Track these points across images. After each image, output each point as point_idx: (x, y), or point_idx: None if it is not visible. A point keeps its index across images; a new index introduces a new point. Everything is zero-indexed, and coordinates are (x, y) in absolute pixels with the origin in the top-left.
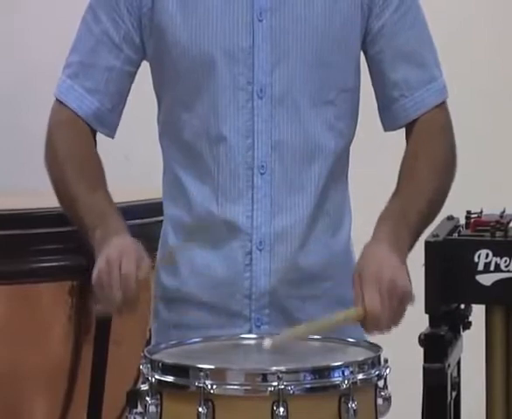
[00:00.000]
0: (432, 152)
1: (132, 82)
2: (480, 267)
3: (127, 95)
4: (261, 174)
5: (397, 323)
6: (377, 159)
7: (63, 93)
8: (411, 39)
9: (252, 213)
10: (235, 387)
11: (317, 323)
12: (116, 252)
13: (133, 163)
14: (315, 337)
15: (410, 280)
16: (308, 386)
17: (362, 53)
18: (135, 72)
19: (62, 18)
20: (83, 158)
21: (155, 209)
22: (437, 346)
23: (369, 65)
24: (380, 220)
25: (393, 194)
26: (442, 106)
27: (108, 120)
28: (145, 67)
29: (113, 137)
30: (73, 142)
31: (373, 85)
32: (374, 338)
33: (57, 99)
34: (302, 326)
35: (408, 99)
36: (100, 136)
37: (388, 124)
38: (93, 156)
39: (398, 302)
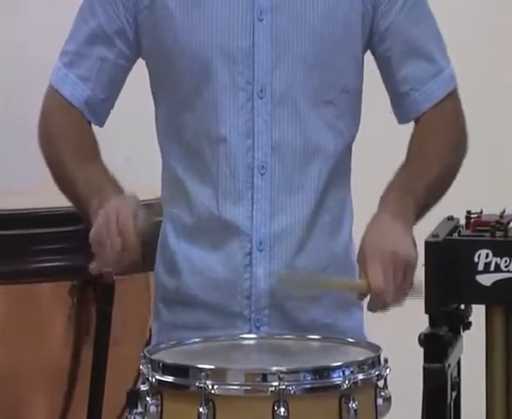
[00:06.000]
0: (440, 132)
1: (126, 76)
2: (481, 267)
3: (120, 88)
4: (261, 174)
5: (402, 297)
6: (379, 159)
7: (58, 82)
8: (419, 34)
9: (252, 213)
10: (236, 387)
11: (321, 278)
12: (113, 207)
13: (134, 165)
14: (315, 337)
15: (415, 249)
16: (309, 386)
17: (369, 53)
18: (130, 68)
19: (61, 18)
20: (77, 135)
21: (156, 209)
22: (437, 347)
23: (378, 65)
24: (385, 191)
25: (399, 168)
26: (452, 94)
27: (99, 110)
28: (145, 68)
29: (102, 126)
30: (68, 124)
31: (383, 82)
32: (374, 338)
33: (51, 84)
34: (306, 273)
35: (418, 92)
36: (100, 137)
37: (401, 118)
38: (89, 136)
39: (403, 272)
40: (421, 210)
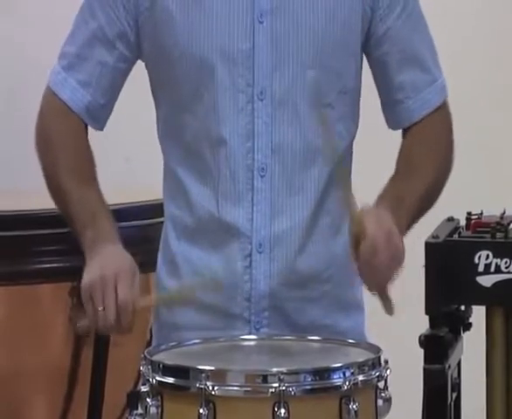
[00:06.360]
0: (429, 145)
1: (125, 79)
2: (481, 268)
3: (119, 91)
4: (261, 176)
5: (388, 276)
6: (378, 159)
7: (57, 85)
8: (415, 41)
9: (252, 215)
10: (236, 388)
11: None
12: (111, 270)
13: (133, 165)
14: (316, 338)
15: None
16: (309, 387)
17: (363, 55)
18: (130, 70)
19: (61, 17)
20: (76, 151)
21: (156, 210)
22: (437, 348)
23: (372, 67)
24: (377, 201)
25: (390, 178)
26: (443, 105)
27: (99, 115)
28: (145, 69)
29: (102, 130)
30: (67, 133)
31: (377, 86)
32: (374, 338)
33: (49, 87)
34: None
35: (412, 100)
36: (100, 138)
37: (391, 124)
38: (85, 149)
39: (392, 255)
40: (411, 221)
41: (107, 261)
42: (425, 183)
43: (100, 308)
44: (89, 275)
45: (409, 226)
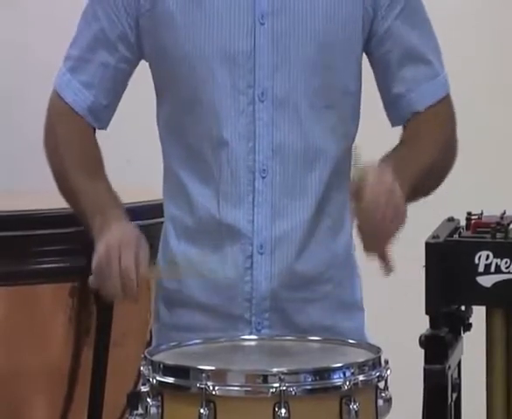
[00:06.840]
0: (433, 129)
1: (128, 79)
2: (481, 268)
3: (122, 92)
4: (262, 177)
5: (387, 235)
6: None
7: (61, 87)
8: (417, 38)
9: (253, 217)
10: (237, 388)
11: None
12: (116, 241)
13: (135, 167)
14: (316, 338)
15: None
16: (310, 387)
17: (364, 55)
18: (132, 71)
19: (61, 17)
20: (81, 148)
21: (156, 210)
22: (437, 348)
23: (374, 67)
24: (380, 162)
25: (393, 147)
26: (446, 100)
27: (102, 116)
28: (147, 69)
29: (105, 129)
30: (72, 133)
31: (378, 84)
32: (375, 339)
33: (55, 89)
34: None
35: (414, 93)
36: (101, 139)
37: (395, 120)
38: (91, 145)
39: (392, 212)
40: (412, 192)
41: (111, 235)
42: (429, 157)
43: (108, 280)
44: (97, 253)
45: (411, 193)
